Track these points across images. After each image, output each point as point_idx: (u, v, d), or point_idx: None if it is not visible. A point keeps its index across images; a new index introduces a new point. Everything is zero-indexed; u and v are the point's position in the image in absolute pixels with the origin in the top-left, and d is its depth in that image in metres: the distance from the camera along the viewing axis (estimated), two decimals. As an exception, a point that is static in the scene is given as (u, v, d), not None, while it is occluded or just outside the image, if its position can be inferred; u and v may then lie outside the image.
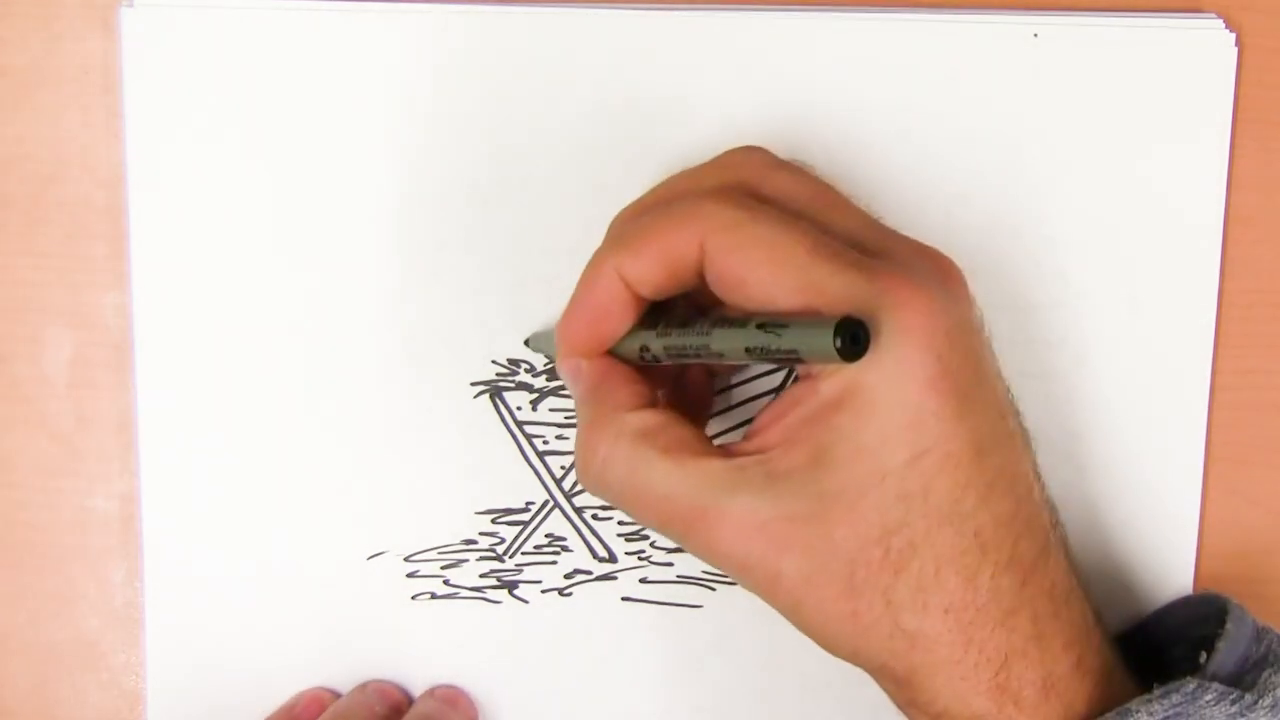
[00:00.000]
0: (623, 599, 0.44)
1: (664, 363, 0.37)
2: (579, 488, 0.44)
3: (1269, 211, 0.43)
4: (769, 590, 0.35)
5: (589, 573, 0.44)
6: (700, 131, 0.42)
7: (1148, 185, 0.42)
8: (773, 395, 0.43)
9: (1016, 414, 0.37)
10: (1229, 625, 0.38)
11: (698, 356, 0.36)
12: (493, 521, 0.44)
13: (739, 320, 0.35)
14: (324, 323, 0.43)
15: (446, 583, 0.44)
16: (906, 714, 0.37)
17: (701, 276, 0.36)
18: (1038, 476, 0.37)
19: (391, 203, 0.43)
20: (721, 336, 0.35)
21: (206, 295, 0.43)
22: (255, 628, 0.44)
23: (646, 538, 0.44)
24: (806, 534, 0.34)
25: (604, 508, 0.44)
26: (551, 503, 0.44)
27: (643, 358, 0.38)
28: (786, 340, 0.33)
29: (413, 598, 0.44)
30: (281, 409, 0.43)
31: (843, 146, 0.42)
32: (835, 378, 0.34)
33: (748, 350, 0.34)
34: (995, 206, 0.42)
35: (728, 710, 0.44)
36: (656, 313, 0.38)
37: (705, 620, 0.44)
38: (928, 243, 0.37)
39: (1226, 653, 0.37)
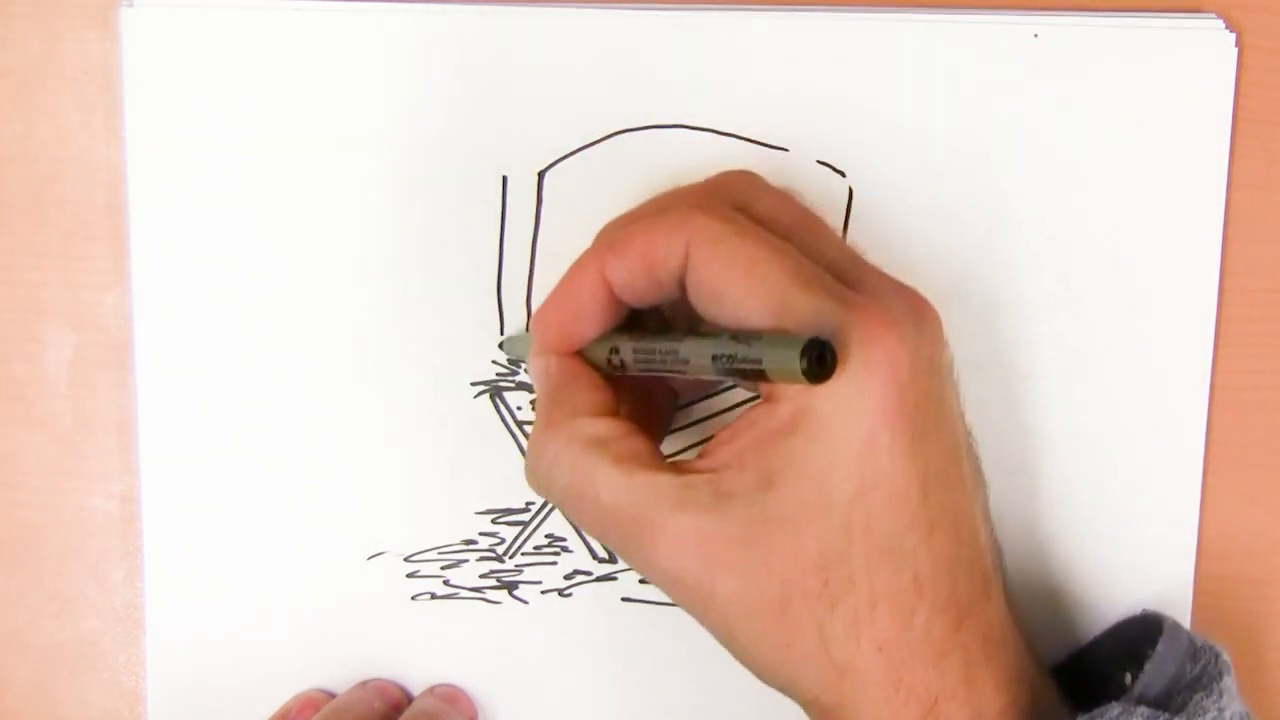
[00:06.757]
0: (623, 599, 0.44)
1: (631, 370, 0.38)
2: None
3: (1269, 211, 0.43)
4: (701, 610, 0.35)
5: (589, 573, 0.44)
6: (700, 132, 0.42)
7: (1148, 185, 0.42)
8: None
9: (973, 456, 0.37)
10: (1159, 646, 0.38)
11: (664, 364, 0.36)
12: (493, 521, 0.44)
13: (711, 332, 0.35)
14: (324, 322, 0.43)
15: (446, 583, 0.44)
16: None
17: (682, 287, 0.36)
18: (986, 519, 0.37)
19: (391, 202, 0.43)
20: (691, 344, 0.35)
21: (206, 295, 0.43)
22: (255, 627, 0.44)
23: (646, 538, 0.44)
24: (744, 556, 0.34)
25: (604, 508, 0.44)
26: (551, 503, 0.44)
27: (610, 361, 0.38)
28: (754, 351, 0.33)
29: (413, 598, 0.44)
30: (281, 409, 0.43)
31: (842, 146, 0.42)
32: (792, 401, 0.34)
33: (714, 358, 0.34)
34: (995, 206, 0.42)
35: (728, 710, 0.44)
36: (631, 326, 0.38)
37: (705, 620, 0.44)
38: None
39: (1154, 674, 0.37)
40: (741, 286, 0.34)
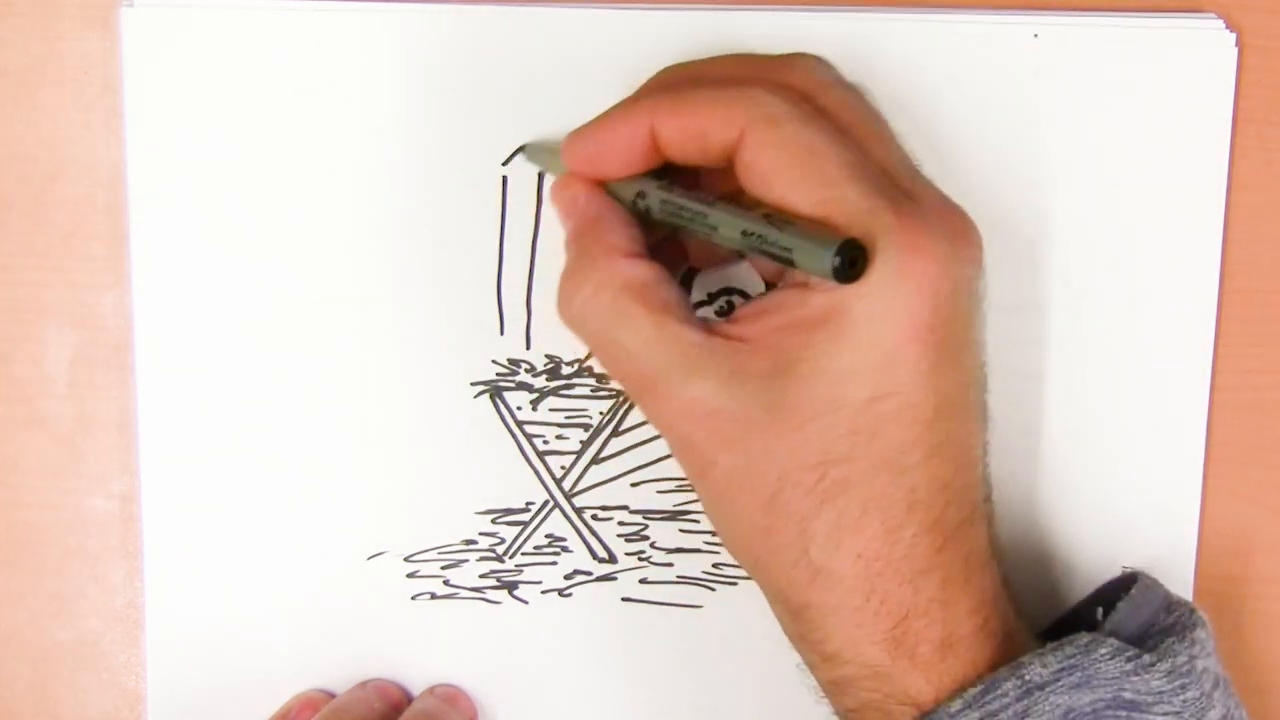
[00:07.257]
0: (623, 599, 0.44)
1: (653, 217, 0.37)
2: (579, 488, 0.44)
3: (1269, 211, 0.43)
4: (698, 476, 0.36)
5: (589, 573, 0.44)
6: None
7: (1148, 185, 0.42)
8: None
9: (983, 388, 0.37)
10: (1134, 590, 0.38)
11: (690, 224, 0.36)
12: (493, 521, 0.44)
13: (746, 205, 0.35)
14: (324, 322, 0.43)
15: (446, 583, 0.44)
16: (797, 648, 0.37)
17: (728, 159, 0.36)
18: (984, 452, 0.37)
19: (391, 202, 0.43)
20: (723, 212, 0.35)
21: (206, 295, 0.43)
22: (255, 627, 0.44)
23: (647, 538, 0.44)
24: (748, 437, 0.34)
25: (604, 508, 0.44)
26: (551, 503, 0.44)
27: (634, 205, 0.37)
28: (785, 238, 0.33)
29: (413, 598, 0.44)
30: (281, 409, 0.43)
31: (843, 146, 0.42)
32: (826, 294, 0.34)
33: (744, 234, 0.34)
34: (995, 206, 0.42)
35: (728, 710, 0.44)
36: (662, 174, 0.38)
37: (705, 620, 0.44)
38: None
39: (1127, 614, 0.37)
40: (794, 173, 0.34)
